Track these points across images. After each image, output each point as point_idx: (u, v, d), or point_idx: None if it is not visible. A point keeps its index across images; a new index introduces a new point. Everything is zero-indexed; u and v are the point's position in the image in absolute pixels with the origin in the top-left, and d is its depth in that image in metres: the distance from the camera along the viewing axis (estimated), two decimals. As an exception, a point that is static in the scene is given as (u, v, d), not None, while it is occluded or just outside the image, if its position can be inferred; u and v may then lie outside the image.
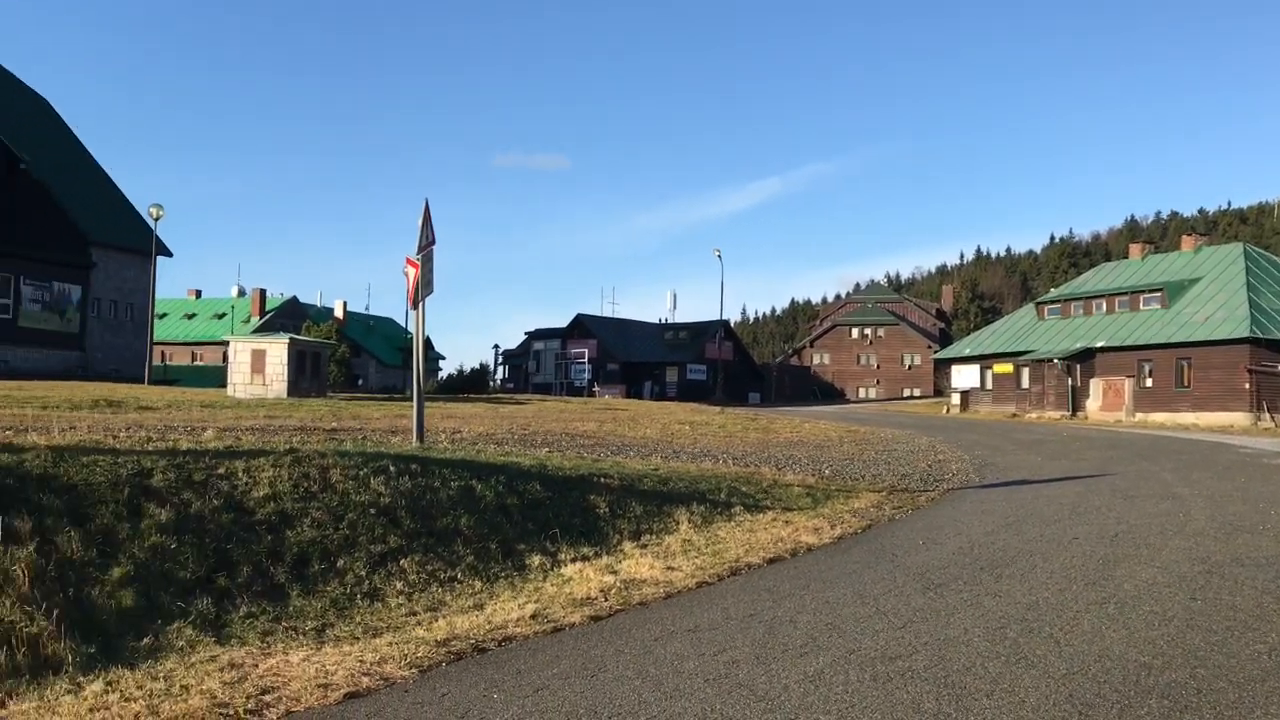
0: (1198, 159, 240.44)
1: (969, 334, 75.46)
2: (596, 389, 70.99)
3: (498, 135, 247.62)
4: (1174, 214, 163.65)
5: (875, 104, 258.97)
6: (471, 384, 58.78)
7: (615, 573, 8.54)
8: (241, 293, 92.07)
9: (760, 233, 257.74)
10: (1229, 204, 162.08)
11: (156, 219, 41.25)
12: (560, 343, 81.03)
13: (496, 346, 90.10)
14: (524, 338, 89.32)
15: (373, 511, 8.63)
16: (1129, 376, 48.13)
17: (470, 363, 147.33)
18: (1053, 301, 58.83)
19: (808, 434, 26.57)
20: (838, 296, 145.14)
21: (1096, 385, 49.42)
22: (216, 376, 45.93)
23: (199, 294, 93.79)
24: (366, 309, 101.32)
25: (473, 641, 6.37)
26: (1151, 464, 20.10)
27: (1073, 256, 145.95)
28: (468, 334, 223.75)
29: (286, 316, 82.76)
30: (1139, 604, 7.34)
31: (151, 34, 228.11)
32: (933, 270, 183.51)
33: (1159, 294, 50.29)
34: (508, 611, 7.17)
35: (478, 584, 8.15)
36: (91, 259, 44.35)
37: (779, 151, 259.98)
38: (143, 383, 36.79)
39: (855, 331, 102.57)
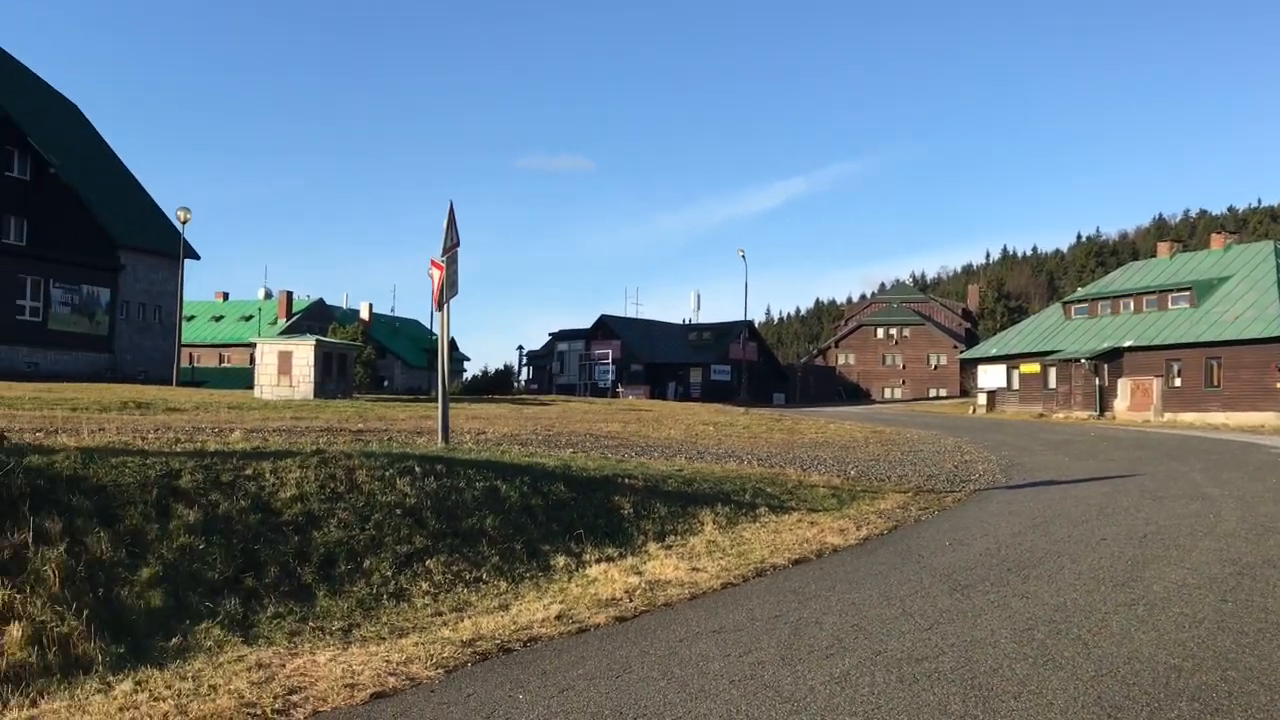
0: (1227, 156, 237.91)
1: (995, 334, 75.07)
2: (620, 390, 71.02)
3: (521, 137, 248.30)
4: (1203, 212, 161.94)
5: (902, 103, 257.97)
6: (496, 385, 59.03)
7: (640, 574, 8.53)
8: (268, 295, 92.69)
9: (785, 232, 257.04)
10: (1259, 201, 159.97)
11: (184, 222, 41.62)
12: (584, 343, 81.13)
13: (521, 347, 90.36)
14: (548, 339, 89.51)
15: (398, 512, 8.67)
16: (1157, 376, 47.72)
17: (495, 364, 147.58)
18: (1080, 301, 58.38)
19: (833, 435, 26.49)
20: (863, 296, 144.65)
21: (1124, 385, 49.02)
22: (244, 378, 46.31)
23: (226, 296, 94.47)
24: (392, 311, 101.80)
25: (498, 642, 6.38)
26: (1181, 464, 19.92)
27: (1100, 255, 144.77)
28: (492, 335, 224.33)
29: (313, 318, 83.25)
30: (1169, 606, 7.28)
31: (178, 38, 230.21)
32: (958, 270, 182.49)
33: (1188, 293, 49.83)
34: (533, 612, 7.18)
35: (503, 584, 8.17)
36: (120, 262, 44.79)
37: (804, 151, 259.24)
38: (170, 384, 37.13)
39: (880, 331, 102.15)
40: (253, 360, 33.52)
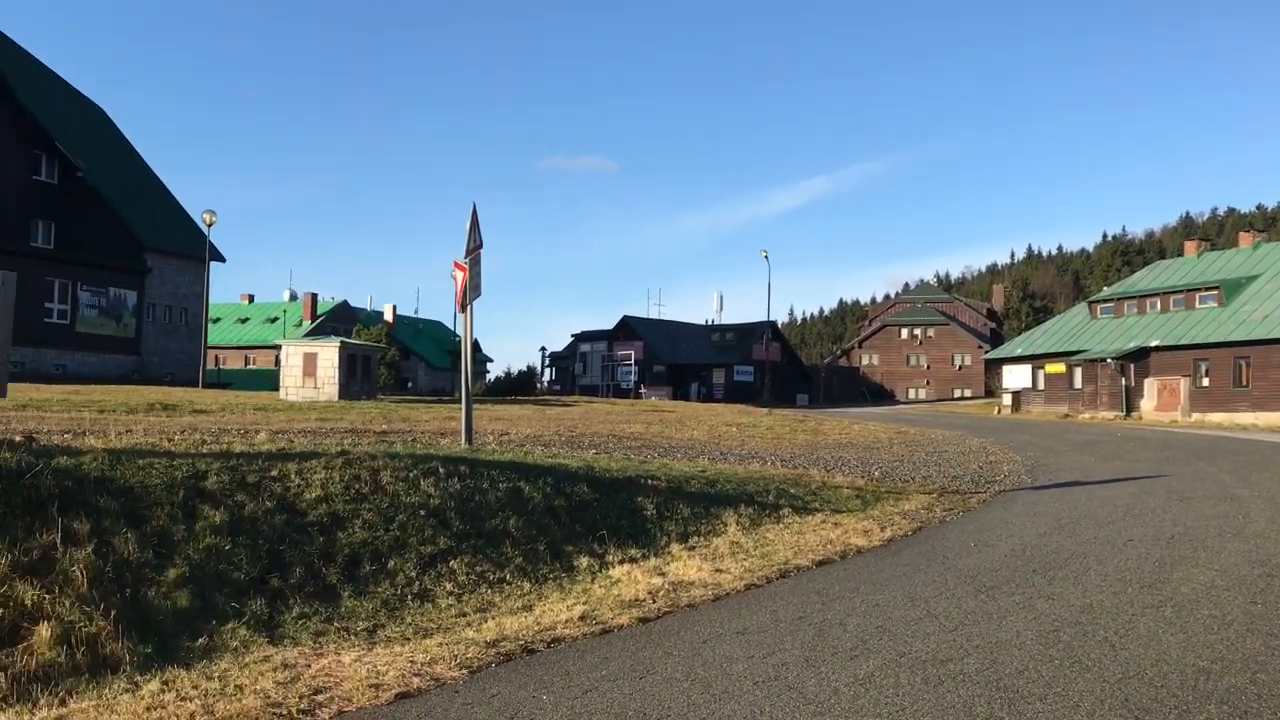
0: (1255, 153, 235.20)
1: (1020, 334, 74.58)
2: (643, 391, 71.03)
3: (543, 138, 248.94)
4: (1230, 210, 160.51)
5: (926, 101, 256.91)
6: (519, 386, 59.15)
7: (663, 575, 8.53)
8: (293, 297, 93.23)
9: (808, 232, 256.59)
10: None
11: (210, 225, 41.91)
12: (607, 344, 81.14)
13: (543, 349, 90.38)
14: (570, 340, 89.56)
15: (422, 513, 8.70)
16: (1185, 376, 47.32)
17: (517, 365, 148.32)
18: (1106, 300, 57.98)
19: (857, 435, 26.40)
20: (887, 296, 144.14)
21: (1151, 385, 48.64)
22: (269, 380, 46.57)
23: (251, 299, 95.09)
24: (415, 312, 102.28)
25: (522, 643, 6.40)
26: (1209, 465, 19.74)
27: (1126, 255, 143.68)
28: (515, 336, 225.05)
29: (337, 320, 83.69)
30: (1197, 607, 7.21)
31: (205, 43, 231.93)
32: (983, 269, 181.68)
33: (1216, 292, 49.40)
34: (556, 613, 7.19)
35: (526, 585, 8.18)
36: (147, 265, 45.20)
37: (828, 150, 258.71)
38: (197, 386, 37.41)
39: (905, 332, 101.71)
40: (278, 362, 33.67)
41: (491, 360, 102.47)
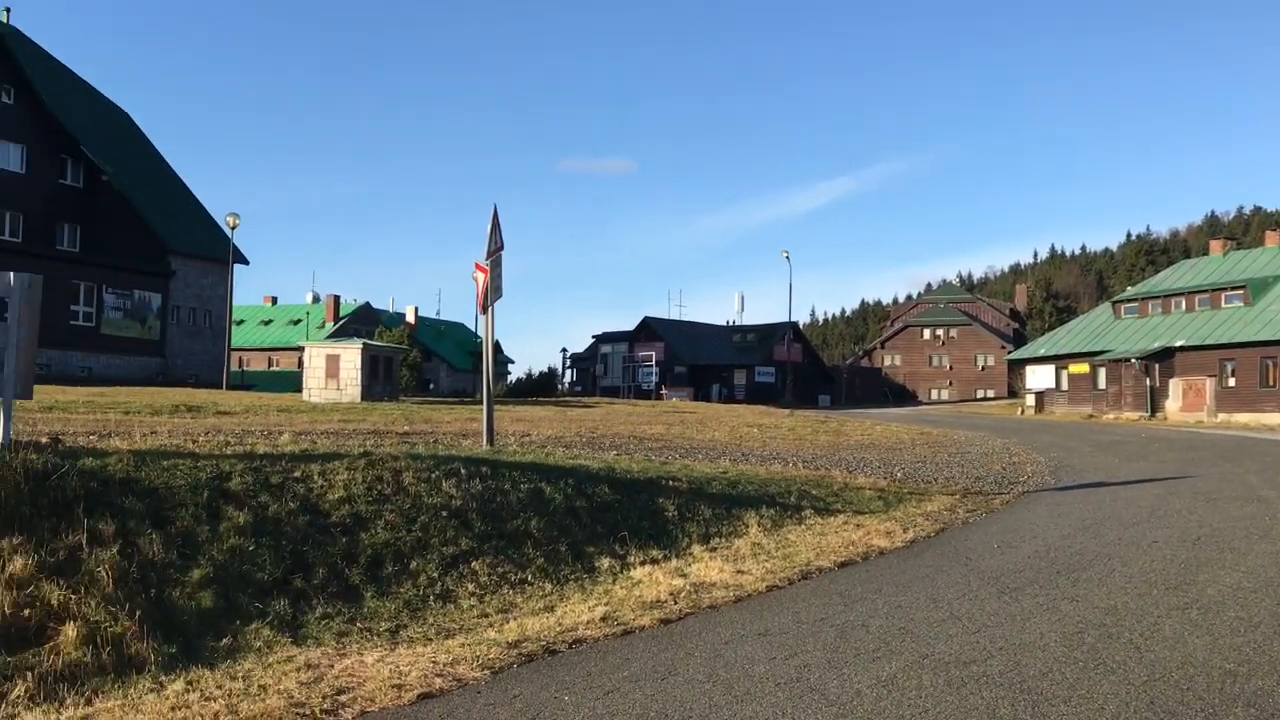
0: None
1: (1043, 334, 74.22)
2: (664, 392, 71.00)
3: (563, 139, 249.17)
4: (1257, 209, 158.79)
5: (949, 101, 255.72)
6: (540, 387, 59.28)
7: (684, 576, 8.52)
8: (316, 299, 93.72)
9: (830, 233, 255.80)
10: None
11: (233, 228, 42.18)
12: (628, 346, 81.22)
13: (564, 350, 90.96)
14: (591, 341, 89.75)
15: (444, 514, 8.72)
16: (1210, 376, 46.93)
17: (538, 366, 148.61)
18: (1130, 300, 57.60)
19: (879, 436, 26.32)
20: (909, 297, 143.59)
21: (1176, 385, 48.26)
22: (292, 381, 46.84)
23: (275, 301, 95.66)
24: (437, 314, 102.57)
25: (543, 643, 6.40)
26: (1235, 466, 19.57)
27: (1150, 254, 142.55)
28: (536, 338, 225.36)
29: (360, 322, 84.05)
30: (1223, 609, 7.15)
31: (229, 46, 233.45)
32: (1006, 269, 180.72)
33: (1241, 291, 48.98)
34: (578, 614, 7.20)
35: (548, 586, 8.19)
36: (171, 267, 45.54)
37: (850, 150, 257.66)
38: (221, 388, 37.67)
39: (927, 332, 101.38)
40: (301, 364, 33.91)
41: (513, 362, 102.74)
